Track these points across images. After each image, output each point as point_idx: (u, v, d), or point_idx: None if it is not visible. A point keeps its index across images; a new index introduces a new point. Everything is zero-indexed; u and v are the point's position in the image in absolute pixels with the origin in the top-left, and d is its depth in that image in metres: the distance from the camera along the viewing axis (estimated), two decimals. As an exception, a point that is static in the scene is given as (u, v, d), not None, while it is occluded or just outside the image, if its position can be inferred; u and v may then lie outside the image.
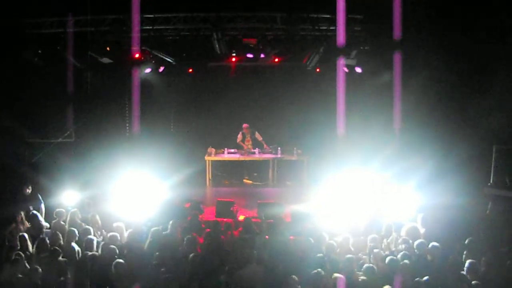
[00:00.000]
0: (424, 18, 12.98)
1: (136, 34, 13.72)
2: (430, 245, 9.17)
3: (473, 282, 7.93)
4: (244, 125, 17.50)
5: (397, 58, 13.12)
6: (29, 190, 11.86)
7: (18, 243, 9.78)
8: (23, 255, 8.92)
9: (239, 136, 17.54)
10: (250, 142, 17.40)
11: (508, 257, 8.82)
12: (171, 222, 10.44)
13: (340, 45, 13.43)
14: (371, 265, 8.65)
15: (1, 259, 8.75)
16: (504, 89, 12.62)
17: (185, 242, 9.61)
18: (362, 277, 8.38)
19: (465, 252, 9.09)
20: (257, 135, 17.47)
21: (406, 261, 8.63)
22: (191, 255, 8.84)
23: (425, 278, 7.96)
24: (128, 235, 10.42)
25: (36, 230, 10.54)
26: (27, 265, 8.69)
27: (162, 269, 8.46)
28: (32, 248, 9.67)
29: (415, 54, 13.46)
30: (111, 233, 10.17)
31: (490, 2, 12.28)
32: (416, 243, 9.30)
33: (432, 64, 13.50)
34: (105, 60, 14.83)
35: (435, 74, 13.78)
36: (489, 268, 8.45)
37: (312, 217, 11.60)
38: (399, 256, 8.86)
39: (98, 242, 9.75)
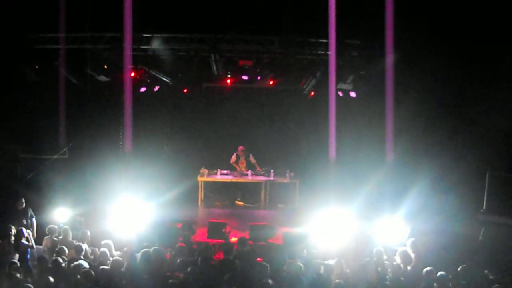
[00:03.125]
0: (418, 44, 13.11)
1: (128, 53, 13.75)
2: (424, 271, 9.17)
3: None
4: (240, 148, 17.48)
5: (389, 83, 13.23)
6: (22, 206, 11.89)
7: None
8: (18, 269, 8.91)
9: (233, 157, 17.50)
10: (244, 164, 17.38)
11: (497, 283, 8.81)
12: (152, 249, 10.06)
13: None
14: None
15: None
16: (497, 115, 12.75)
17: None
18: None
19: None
20: (251, 158, 17.47)
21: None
22: (180, 276, 8.75)
23: None
24: (121, 255, 10.37)
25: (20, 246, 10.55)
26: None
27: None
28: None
29: (408, 79, 13.59)
30: (102, 249, 10.16)
31: (484, 28, 12.45)
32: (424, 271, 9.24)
33: (425, 88, 13.63)
34: (102, 78, 14.85)
35: (428, 99, 13.91)
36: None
37: (304, 240, 11.59)
38: (391, 281, 8.85)
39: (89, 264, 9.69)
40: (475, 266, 9.67)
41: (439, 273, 8.94)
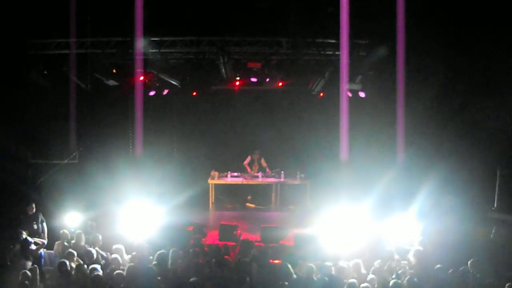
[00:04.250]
0: (428, 42, 13.05)
1: (139, 57, 13.80)
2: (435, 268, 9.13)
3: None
4: (256, 151, 17.58)
5: (399, 83, 13.18)
6: (32, 210, 11.92)
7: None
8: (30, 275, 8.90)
9: (248, 159, 17.53)
10: (257, 167, 17.41)
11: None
12: (171, 251, 10.10)
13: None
14: None
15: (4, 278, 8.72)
16: (507, 112, 12.69)
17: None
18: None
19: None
20: (263, 161, 17.49)
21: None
22: (191, 279, 8.74)
23: None
24: (131, 258, 10.36)
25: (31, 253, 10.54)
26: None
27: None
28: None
29: (419, 78, 13.53)
30: (113, 255, 10.14)
31: (493, 25, 12.39)
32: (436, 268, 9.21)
33: (436, 87, 13.58)
34: (111, 82, 14.89)
35: (438, 97, 13.85)
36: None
37: (316, 241, 11.56)
38: (405, 280, 8.80)
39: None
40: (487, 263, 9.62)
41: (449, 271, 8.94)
